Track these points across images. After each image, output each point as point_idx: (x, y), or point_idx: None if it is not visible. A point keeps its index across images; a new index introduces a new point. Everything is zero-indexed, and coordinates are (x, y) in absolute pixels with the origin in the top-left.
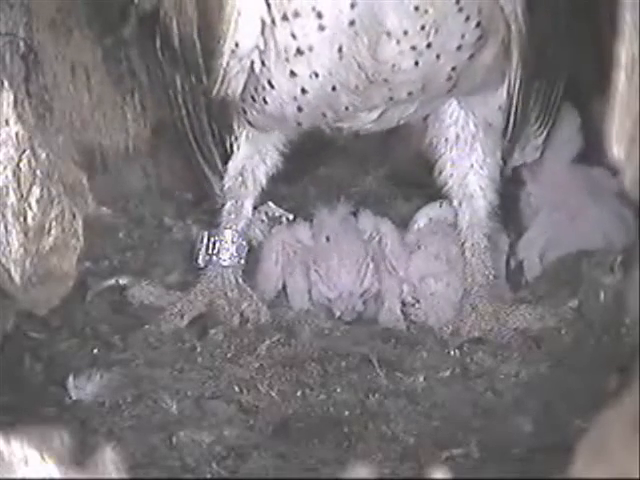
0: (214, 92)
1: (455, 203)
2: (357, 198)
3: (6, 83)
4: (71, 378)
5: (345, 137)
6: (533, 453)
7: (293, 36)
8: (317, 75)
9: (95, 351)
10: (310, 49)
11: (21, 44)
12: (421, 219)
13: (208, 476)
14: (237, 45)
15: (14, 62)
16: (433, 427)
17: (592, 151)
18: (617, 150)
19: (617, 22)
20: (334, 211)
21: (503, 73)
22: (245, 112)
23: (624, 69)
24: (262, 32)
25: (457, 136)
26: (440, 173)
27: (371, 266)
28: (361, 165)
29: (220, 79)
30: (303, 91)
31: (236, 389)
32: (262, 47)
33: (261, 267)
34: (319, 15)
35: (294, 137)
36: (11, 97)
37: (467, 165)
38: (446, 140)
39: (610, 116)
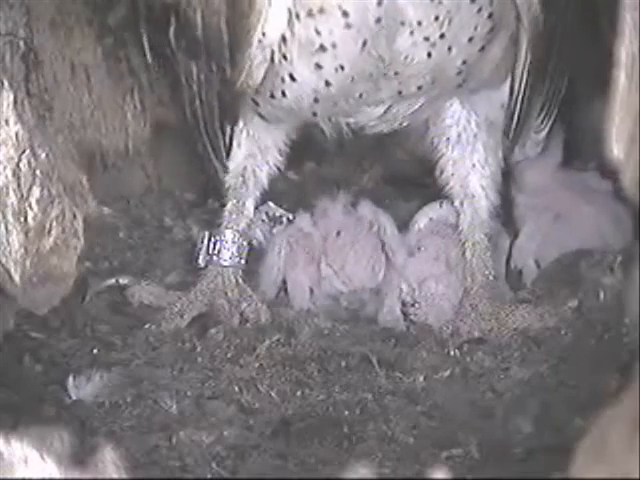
0: (238, 83)
1: (456, 203)
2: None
3: (6, 83)
4: (71, 378)
5: (344, 137)
6: (533, 453)
7: (317, 32)
8: (343, 68)
9: (95, 351)
10: (334, 46)
11: (21, 44)
12: (421, 219)
13: (208, 476)
14: (264, 35)
15: (14, 62)
16: (433, 427)
17: (587, 152)
18: (617, 150)
19: (617, 22)
20: (336, 200)
21: (508, 70)
22: (258, 104)
23: (624, 69)
24: (289, 23)
25: (459, 135)
26: (441, 173)
27: (383, 259)
28: (359, 165)
29: (246, 71)
30: (327, 83)
31: (236, 389)
32: (289, 37)
33: (264, 262)
34: (345, 14)
35: (295, 136)
36: (11, 97)
37: (469, 165)
38: (447, 140)
39: (610, 116)
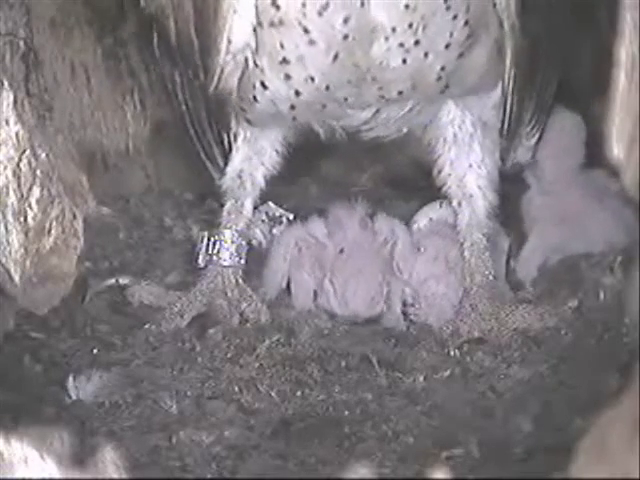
0: (211, 89)
1: (454, 203)
2: (357, 198)
3: (6, 83)
4: (71, 378)
5: (340, 139)
6: (533, 453)
7: (281, 45)
8: (313, 80)
9: (95, 351)
10: (300, 59)
11: (21, 44)
12: (421, 219)
13: (208, 476)
14: (230, 42)
15: (14, 62)
16: (433, 427)
17: (592, 152)
18: (617, 150)
19: (617, 22)
20: (352, 212)
21: (498, 75)
22: (244, 110)
23: (624, 69)
24: (254, 30)
25: (455, 135)
26: (439, 173)
27: (385, 291)
28: (358, 165)
29: (217, 76)
30: (297, 93)
31: (236, 389)
32: (253, 46)
33: (268, 262)
34: (306, 30)
35: (292, 138)
36: (11, 97)
37: (465, 165)
38: (444, 140)
39: (610, 116)
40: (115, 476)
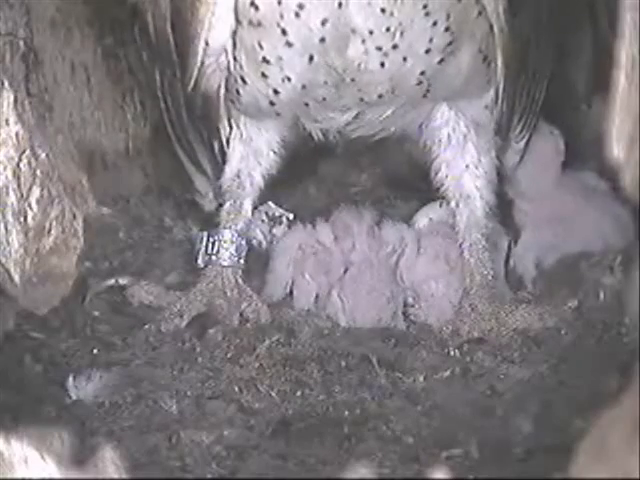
0: (190, 87)
1: (452, 204)
2: (356, 198)
3: (6, 83)
4: (71, 378)
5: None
6: (533, 453)
7: (260, 46)
8: (290, 79)
9: (95, 351)
10: (279, 59)
11: (21, 44)
12: (421, 220)
13: (208, 476)
14: (207, 44)
15: (14, 62)
16: (433, 427)
17: (584, 153)
18: (617, 150)
19: (617, 23)
20: (360, 219)
21: (487, 80)
22: (232, 102)
23: (624, 69)
24: (232, 34)
25: (449, 137)
26: (436, 174)
27: (391, 306)
28: (356, 164)
29: (195, 76)
30: (275, 92)
31: (236, 389)
32: (230, 49)
33: (272, 267)
34: (284, 32)
35: (290, 138)
36: (11, 97)
37: (462, 166)
38: (439, 141)
39: (610, 116)
40: (115, 476)
